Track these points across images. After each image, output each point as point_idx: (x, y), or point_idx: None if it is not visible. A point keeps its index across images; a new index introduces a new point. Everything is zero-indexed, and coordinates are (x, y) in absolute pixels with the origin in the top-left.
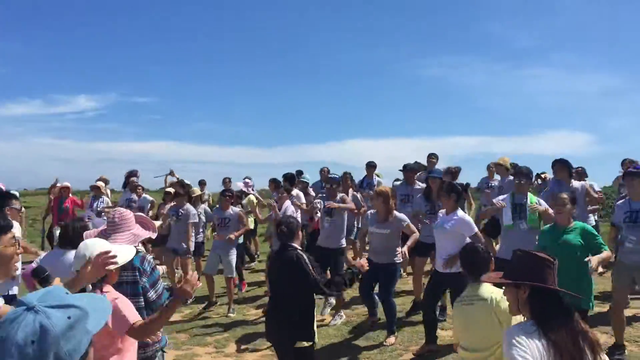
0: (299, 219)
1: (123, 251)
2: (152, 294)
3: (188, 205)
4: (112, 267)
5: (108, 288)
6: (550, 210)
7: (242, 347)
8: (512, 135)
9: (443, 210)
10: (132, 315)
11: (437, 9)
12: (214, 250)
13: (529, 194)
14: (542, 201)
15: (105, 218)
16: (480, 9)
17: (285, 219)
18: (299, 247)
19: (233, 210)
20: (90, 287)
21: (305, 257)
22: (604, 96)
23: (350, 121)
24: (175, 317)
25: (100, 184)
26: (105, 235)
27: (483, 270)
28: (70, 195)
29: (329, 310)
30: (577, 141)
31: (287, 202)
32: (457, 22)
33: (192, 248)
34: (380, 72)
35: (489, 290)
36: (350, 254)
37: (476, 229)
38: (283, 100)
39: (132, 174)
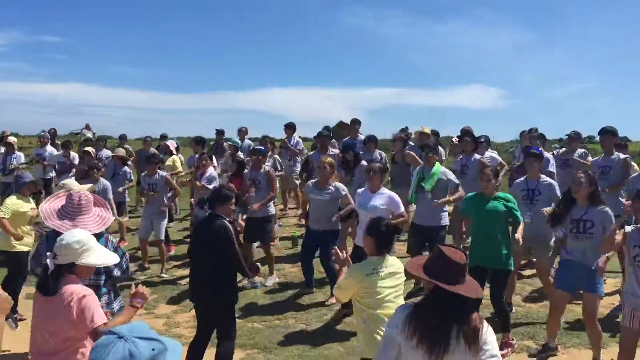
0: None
1: (108, 256)
2: (117, 272)
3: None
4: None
5: (74, 281)
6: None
7: (173, 307)
8: (429, 88)
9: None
10: (100, 317)
11: None
12: (146, 214)
13: (436, 164)
14: (449, 172)
15: (17, 174)
16: None
17: (219, 188)
18: (226, 218)
19: (160, 174)
20: (52, 282)
21: (230, 229)
22: (516, 52)
23: (274, 69)
24: None
25: (13, 139)
26: (68, 215)
27: (390, 245)
28: None
29: (272, 281)
30: (490, 95)
31: (210, 169)
32: None
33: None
34: (304, 19)
35: (398, 265)
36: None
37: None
38: (202, 43)
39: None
